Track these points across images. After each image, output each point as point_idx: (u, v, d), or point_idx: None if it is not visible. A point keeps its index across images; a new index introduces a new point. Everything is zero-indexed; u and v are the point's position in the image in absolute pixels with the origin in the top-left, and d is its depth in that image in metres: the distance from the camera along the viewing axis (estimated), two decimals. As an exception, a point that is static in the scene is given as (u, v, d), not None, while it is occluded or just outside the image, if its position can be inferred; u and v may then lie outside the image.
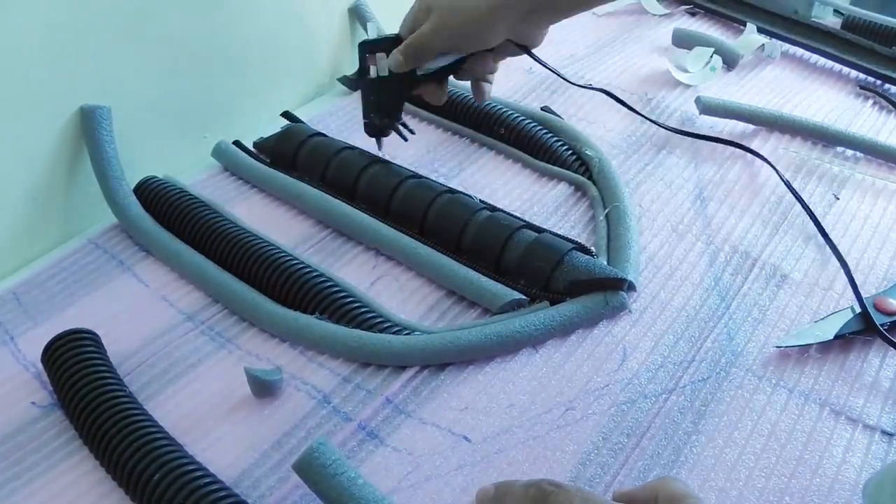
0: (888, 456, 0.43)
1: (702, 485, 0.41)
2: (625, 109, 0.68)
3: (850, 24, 0.84)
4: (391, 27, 0.82)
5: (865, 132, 0.71)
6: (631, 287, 0.53)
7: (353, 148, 0.64)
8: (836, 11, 0.87)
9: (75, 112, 0.58)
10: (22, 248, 0.57)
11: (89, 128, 0.58)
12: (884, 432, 0.44)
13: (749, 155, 0.67)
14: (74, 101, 0.57)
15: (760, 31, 0.85)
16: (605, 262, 0.54)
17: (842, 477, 0.42)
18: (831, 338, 0.49)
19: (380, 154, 0.62)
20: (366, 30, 0.79)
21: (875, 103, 0.76)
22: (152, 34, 0.60)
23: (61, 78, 0.56)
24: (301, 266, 0.53)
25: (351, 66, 0.80)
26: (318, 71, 0.78)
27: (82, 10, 0.55)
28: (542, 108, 0.72)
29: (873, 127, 0.72)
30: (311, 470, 0.39)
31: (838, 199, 0.63)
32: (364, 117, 0.60)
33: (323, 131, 0.68)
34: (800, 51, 0.85)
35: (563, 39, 0.85)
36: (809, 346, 0.49)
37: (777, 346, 0.49)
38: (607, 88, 0.68)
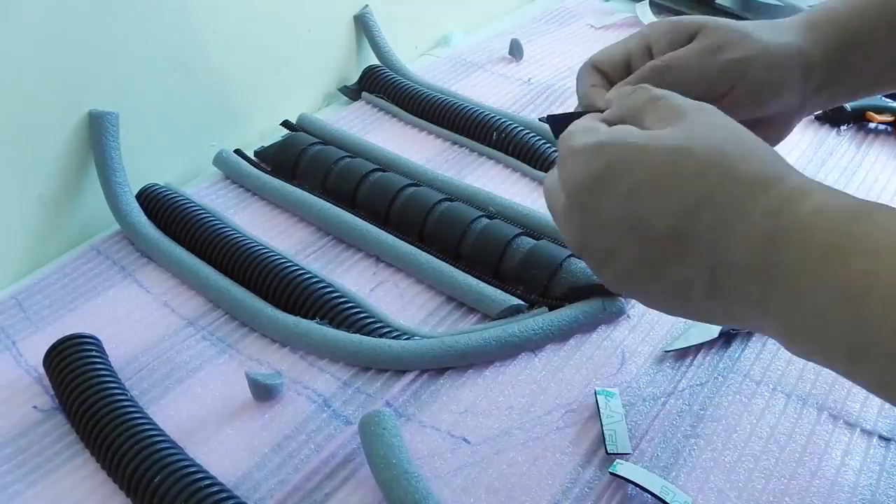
0: (886, 460, 0.43)
1: (701, 486, 0.41)
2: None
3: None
4: (394, 32, 0.83)
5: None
6: (629, 293, 0.53)
7: (353, 157, 0.65)
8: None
9: (83, 117, 0.58)
10: (29, 254, 0.58)
11: (96, 133, 0.58)
12: (881, 437, 0.44)
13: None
14: (82, 105, 0.58)
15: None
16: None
17: (841, 479, 0.42)
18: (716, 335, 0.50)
19: None
20: (370, 38, 0.80)
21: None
22: (161, 42, 0.61)
23: (69, 82, 0.56)
24: (301, 272, 0.53)
25: (356, 75, 0.80)
26: (324, 80, 0.79)
27: (91, 15, 0.55)
28: (540, 119, 0.73)
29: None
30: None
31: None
32: None
33: (328, 140, 0.68)
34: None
35: (561, 52, 0.86)
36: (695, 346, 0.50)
37: (665, 351, 0.49)
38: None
